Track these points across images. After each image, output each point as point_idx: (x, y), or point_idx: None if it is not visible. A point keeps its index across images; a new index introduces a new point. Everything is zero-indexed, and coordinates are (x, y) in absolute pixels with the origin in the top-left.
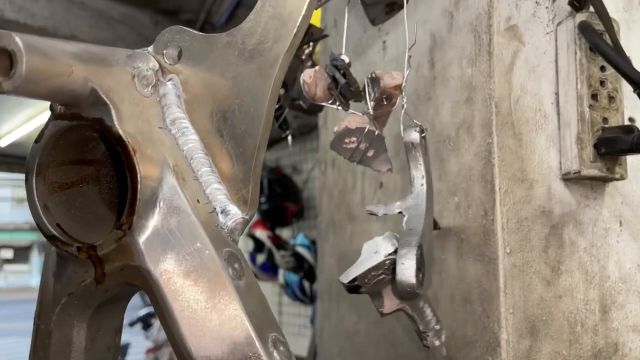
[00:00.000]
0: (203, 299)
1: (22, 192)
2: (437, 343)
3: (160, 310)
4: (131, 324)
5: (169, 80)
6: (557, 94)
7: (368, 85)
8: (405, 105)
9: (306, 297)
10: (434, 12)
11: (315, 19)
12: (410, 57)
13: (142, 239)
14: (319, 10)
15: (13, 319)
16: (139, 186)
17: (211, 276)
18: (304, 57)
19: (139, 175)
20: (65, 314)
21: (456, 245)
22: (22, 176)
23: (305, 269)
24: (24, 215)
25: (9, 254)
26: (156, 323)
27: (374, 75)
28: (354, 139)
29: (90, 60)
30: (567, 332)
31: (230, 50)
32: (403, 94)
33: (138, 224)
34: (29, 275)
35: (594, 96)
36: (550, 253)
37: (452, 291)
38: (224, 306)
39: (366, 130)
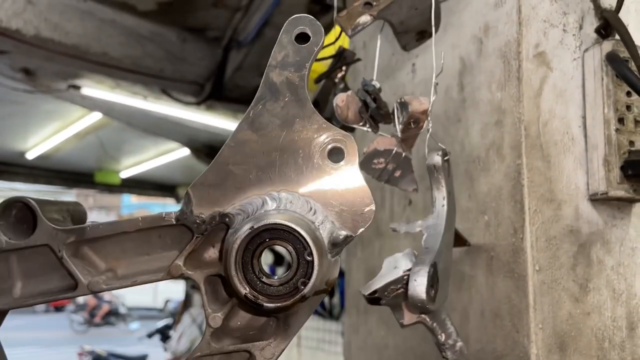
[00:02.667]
0: None
1: None
2: (453, 356)
3: None
4: (149, 336)
5: None
6: (584, 117)
7: (397, 110)
8: (430, 130)
9: (325, 312)
10: (463, 38)
11: (345, 42)
12: (437, 84)
13: None
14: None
15: (31, 329)
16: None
17: None
18: (337, 80)
19: None
20: None
21: (486, 262)
22: (48, 188)
23: None
24: None
25: None
26: (174, 335)
27: (402, 100)
28: (382, 159)
29: None
30: (595, 347)
31: None
32: (429, 119)
33: None
34: None
35: (621, 120)
36: (579, 271)
37: (482, 307)
38: None
39: (394, 152)
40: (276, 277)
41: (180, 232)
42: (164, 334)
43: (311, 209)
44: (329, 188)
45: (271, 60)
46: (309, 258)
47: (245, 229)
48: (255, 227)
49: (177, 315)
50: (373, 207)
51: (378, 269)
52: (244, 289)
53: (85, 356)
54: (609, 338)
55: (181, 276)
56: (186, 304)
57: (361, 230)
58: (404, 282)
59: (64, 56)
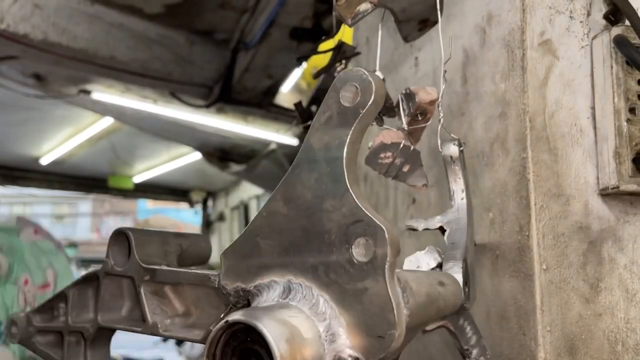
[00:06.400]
0: None
1: (62, 209)
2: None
3: None
4: (164, 340)
5: None
6: (593, 108)
7: (402, 101)
8: (442, 120)
9: None
10: (466, 28)
11: (348, 37)
12: (446, 71)
13: None
14: (351, 28)
15: None
16: None
17: None
18: (336, 74)
19: None
20: None
21: (491, 261)
22: (62, 193)
23: None
24: (63, 232)
25: None
26: None
27: (408, 91)
28: (389, 154)
29: None
30: (607, 351)
31: None
32: (440, 108)
33: None
34: None
35: (632, 110)
36: (589, 270)
37: (487, 308)
38: None
39: (402, 145)
40: None
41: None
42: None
43: (323, 312)
44: (350, 290)
45: (314, 122)
46: None
47: (221, 323)
48: (229, 320)
49: None
50: (395, 333)
51: None
52: None
53: None
54: (622, 341)
55: None
56: None
57: (379, 358)
58: None
59: (72, 60)
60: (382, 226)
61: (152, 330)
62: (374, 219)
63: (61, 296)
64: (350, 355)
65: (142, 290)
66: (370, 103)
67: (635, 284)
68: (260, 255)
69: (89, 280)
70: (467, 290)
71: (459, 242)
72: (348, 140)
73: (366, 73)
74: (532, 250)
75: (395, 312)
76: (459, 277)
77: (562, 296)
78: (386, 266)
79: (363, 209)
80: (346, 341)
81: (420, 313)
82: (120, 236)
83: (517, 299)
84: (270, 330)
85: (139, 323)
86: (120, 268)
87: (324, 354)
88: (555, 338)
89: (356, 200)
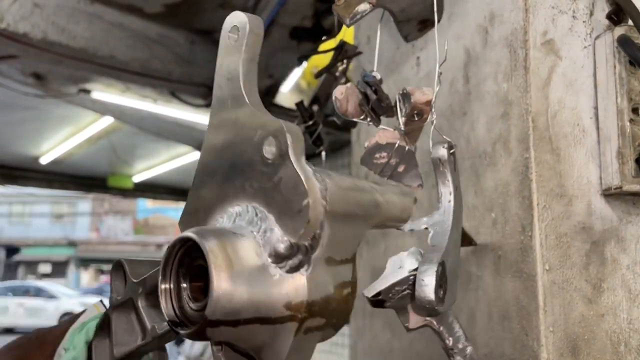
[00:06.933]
0: None
1: (61, 208)
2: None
3: None
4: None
5: None
6: (596, 108)
7: (399, 101)
8: (435, 122)
9: None
10: (468, 28)
11: (349, 36)
12: (440, 73)
13: None
14: (352, 27)
15: None
16: None
17: None
18: (337, 74)
19: None
20: None
21: (493, 261)
22: (62, 193)
23: None
24: (62, 231)
25: (47, 268)
26: (187, 339)
27: (405, 91)
28: (384, 154)
29: None
30: (610, 352)
31: None
32: (433, 110)
33: None
34: None
35: (635, 110)
36: (592, 270)
37: (489, 308)
38: None
39: (396, 145)
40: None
41: None
42: (178, 337)
43: (256, 217)
44: (270, 187)
45: (218, 63)
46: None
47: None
48: (169, 245)
49: None
50: (309, 200)
51: (384, 270)
52: (166, 310)
53: None
54: (625, 341)
55: None
56: None
57: (302, 232)
58: (409, 282)
59: (71, 59)
60: (279, 121)
61: (152, 334)
62: (272, 118)
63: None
64: (282, 242)
65: (139, 305)
66: (247, 34)
67: (638, 284)
68: (205, 207)
69: (104, 326)
70: (441, 293)
71: (439, 245)
72: (241, 60)
73: (241, 14)
74: (535, 251)
75: (304, 182)
76: (432, 280)
77: (565, 297)
78: (289, 151)
79: (262, 114)
80: (278, 233)
81: (346, 195)
82: (118, 270)
83: (519, 299)
84: (202, 236)
85: (142, 336)
86: (121, 296)
87: (260, 251)
88: (557, 338)
89: (257, 111)
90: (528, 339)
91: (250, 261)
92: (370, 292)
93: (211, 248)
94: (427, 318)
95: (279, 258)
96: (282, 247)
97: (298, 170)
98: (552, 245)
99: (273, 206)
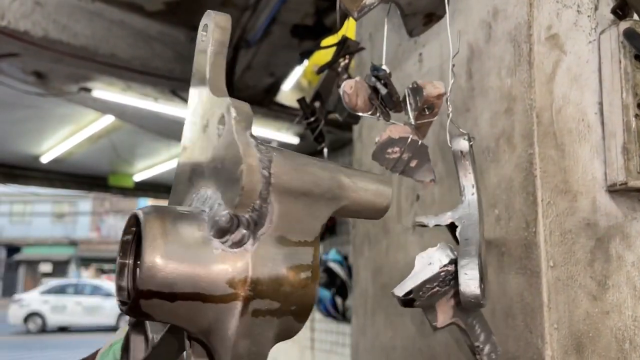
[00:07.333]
0: None
1: (62, 208)
2: (493, 357)
3: None
4: None
5: None
6: (600, 103)
7: (409, 96)
8: (451, 114)
9: (338, 314)
10: (471, 23)
11: (351, 33)
12: (454, 65)
13: None
14: (354, 23)
15: None
16: None
17: None
18: (339, 69)
19: None
20: None
21: (497, 258)
22: (62, 192)
23: (337, 285)
24: (63, 230)
25: (48, 267)
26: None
27: (415, 85)
28: (396, 149)
29: None
30: (615, 349)
31: None
32: (448, 102)
33: None
34: None
35: None
36: (596, 267)
37: (493, 305)
38: None
39: (409, 140)
40: None
41: None
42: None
43: (208, 197)
44: (218, 163)
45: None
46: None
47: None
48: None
49: None
50: (244, 167)
51: (386, 267)
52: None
53: None
54: (630, 339)
55: None
56: None
57: (237, 201)
58: (440, 279)
59: (72, 58)
60: (228, 99)
61: (152, 344)
62: (225, 99)
63: None
64: (222, 216)
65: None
66: (214, 29)
67: None
68: (180, 194)
69: (127, 346)
70: (483, 287)
71: (472, 238)
72: (209, 52)
73: (211, 12)
74: (539, 247)
75: (241, 150)
76: (476, 274)
77: (569, 293)
78: (232, 122)
79: (216, 97)
80: (222, 207)
81: (298, 170)
82: None
83: (523, 296)
84: (144, 211)
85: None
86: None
87: (204, 227)
88: (562, 336)
89: (216, 97)
90: (532, 336)
91: (189, 234)
92: (401, 290)
93: (147, 219)
94: (455, 316)
95: (220, 232)
96: (222, 220)
97: (237, 139)
98: (557, 242)
99: (221, 182)
